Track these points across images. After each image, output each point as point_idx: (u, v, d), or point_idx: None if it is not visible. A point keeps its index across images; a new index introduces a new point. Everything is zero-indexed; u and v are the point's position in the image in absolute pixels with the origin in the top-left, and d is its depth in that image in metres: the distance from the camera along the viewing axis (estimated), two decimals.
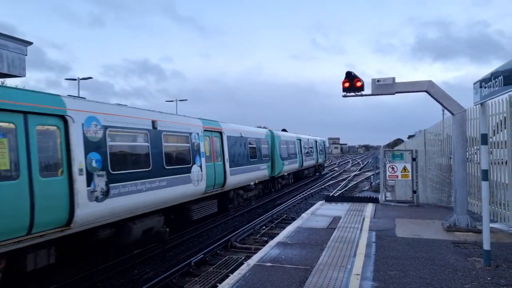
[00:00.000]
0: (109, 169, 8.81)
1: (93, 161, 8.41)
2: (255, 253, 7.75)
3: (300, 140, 29.32)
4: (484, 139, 6.56)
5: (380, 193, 14.00)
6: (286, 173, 25.04)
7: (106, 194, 8.62)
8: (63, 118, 7.84)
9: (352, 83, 9.57)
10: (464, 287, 5.43)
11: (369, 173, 37.39)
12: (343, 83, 9.62)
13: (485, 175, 6.46)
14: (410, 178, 13.04)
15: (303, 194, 23.12)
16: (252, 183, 18.53)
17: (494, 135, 9.32)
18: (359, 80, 9.55)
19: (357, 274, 6.01)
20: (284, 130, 29.01)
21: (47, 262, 7.61)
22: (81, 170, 8.02)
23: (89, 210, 8.09)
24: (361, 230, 9.19)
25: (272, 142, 22.58)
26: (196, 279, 8.58)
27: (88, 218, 8.13)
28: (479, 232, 8.11)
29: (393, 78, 9.46)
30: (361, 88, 9.60)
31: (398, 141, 77.63)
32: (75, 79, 35.47)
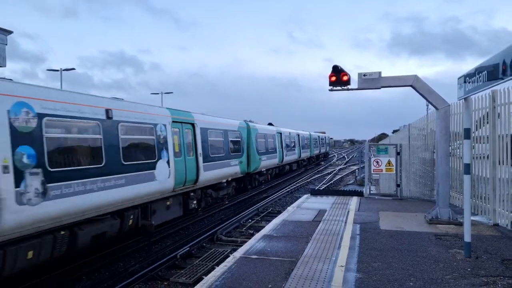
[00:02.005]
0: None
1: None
2: (241, 245, 7.77)
3: (318, 136, 49.10)
4: (467, 133, 6.68)
5: (365, 187, 14.16)
6: (314, 155, 44.95)
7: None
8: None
9: (338, 77, 9.60)
10: (445, 277, 5.55)
11: (354, 167, 37.79)
12: (330, 77, 9.64)
13: (467, 169, 6.59)
14: (394, 172, 13.22)
15: (289, 188, 23.24)
16: (305, 158, 38.98)
17: (476, 130, 9.51)
18: (346, 74, 9.58)
19: (342, 266, 6.09)
20: (270, 124, 29.32)
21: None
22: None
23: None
24: (345, 223, 9.30)
25: (310, 139, 41.11)
26: (182, 271, 8.57)
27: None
28: (460, 224, 8.29)
29: (379, 73, 9.53)
30: (348, 82, 9.64)
31: (383, 136, 78.56)
32: (57, 70, 34.73)
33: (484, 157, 9.17)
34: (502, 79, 4.93)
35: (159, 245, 11.34)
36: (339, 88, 9.74)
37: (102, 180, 8.82)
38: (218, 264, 7.53)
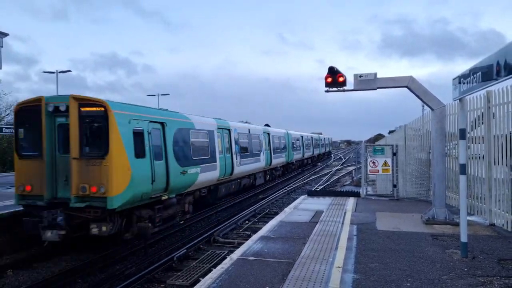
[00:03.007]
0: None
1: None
2: (238, 247, 7.76)
3: (324, 138, 61.55)
4: (463, 134, 6.71)
5: (362, 187, 14.20)
6: (321, 153, 56.92)
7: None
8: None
9: (334, 78, 9.61)
10: (442, 278, 5.57)
11: (351, 168, 37.84)
12: (326, 78, 9.64)
13: (463, 169, 6.62)
14: (390, 172, 13.26)
15: (286, 189, 23.25)
16: (316, 154, 50.19)
17: (471, 130, 9.56)
18: (342, 75, 9.59)
19: (339, 267, 6.09)
20: (267, 125, 29.37)
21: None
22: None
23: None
24: (342, 223, 9.31)
25: (319, 140, 52.49)
26: (179, 274, 8.53)
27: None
28: (457, 225, 8.31)
29: (375, 74, 9.56)
30: (344, 83, 9.66)
31: (379, 136, 78.75)
32: (53, 72, 34.55)
33: (479, 157, 9.21)
34: (497, 79, 4.96)
35: (156, 247, 11.30)
36: (335, 89, 9.75)
37: (248, 159, 20.15)
38: (215, 266, 7.50)
